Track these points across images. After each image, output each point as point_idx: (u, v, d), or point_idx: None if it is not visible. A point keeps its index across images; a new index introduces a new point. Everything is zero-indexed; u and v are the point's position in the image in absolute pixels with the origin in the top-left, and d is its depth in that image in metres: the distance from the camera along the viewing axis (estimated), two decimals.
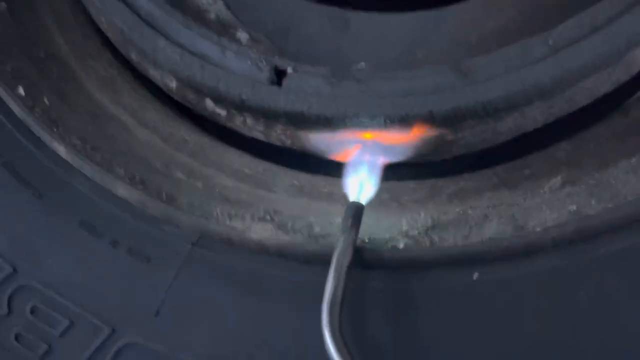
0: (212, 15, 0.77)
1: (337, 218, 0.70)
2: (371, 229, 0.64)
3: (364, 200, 0.64)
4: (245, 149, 0.81)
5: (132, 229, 0.64)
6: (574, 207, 0.57)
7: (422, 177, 0.79)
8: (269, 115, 0.68)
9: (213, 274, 0.61)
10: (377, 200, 0.77)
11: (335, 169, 0.82)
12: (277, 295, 0.60)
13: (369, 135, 0.68)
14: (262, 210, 0.67)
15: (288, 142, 0.73)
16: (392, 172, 0.80)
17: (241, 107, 0.68)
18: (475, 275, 0.57)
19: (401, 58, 0.79)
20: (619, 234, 0.55)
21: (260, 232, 0.61)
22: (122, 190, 0.65)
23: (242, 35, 0.78)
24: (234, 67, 0.67)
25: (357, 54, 0.81)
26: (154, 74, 0.75)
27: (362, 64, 0.70)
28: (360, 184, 0.65)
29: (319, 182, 0.81)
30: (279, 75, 0.67)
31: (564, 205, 0.58)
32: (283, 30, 0.82)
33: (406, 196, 0.77)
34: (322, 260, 0.61)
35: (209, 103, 0.73)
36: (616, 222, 0.54)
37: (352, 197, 0.64)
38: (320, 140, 0.73)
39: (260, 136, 0.74)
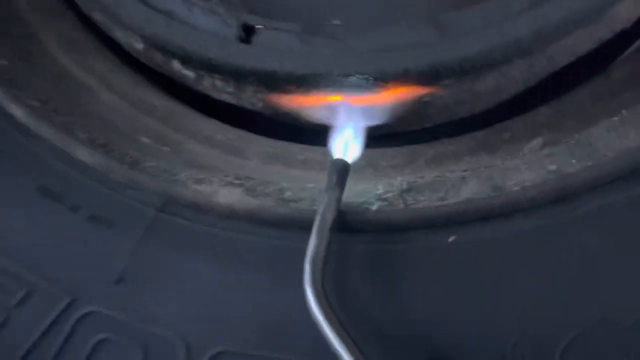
0: None
1: (311, 184, 0.68)
2: (345, 193, 0.62)
3: (349, 158, 0.62)
4: (219, 117, 0.78)
5: (93, 194, 0.60)
6: (553, 167, 0.55)
7: (402, 145, 0.78)
8: (238, 76, 0.65)
9: (179, 239, 0.59)
10: (353, 166, 0.76)
11: (311, 137, 0.80)
12: (247, 260, 0.57)
13: (341, 97, 0.65)
14: (232, 175, 0.64)
15: (260, 105, 0.70)
16: (371, 141, 0.78)
17: (209, 66, 0.65)
18: (452, 238, 0.55)
19: (378, 11, 0.76)
20: (599, 192, 0.53)
21: (228, 196, 0.58)
22: (83, 153, 0.61)
23: None
24: (201, 24, 0.64)
25: (331, 9, 0.78)
26: (119, 34, 0.72)
27: (337, 21, 0.67)
28: (346, 143, 0.63)
29: (294, 149, 0.79)
30: (248, 32, 0.64)
31: (543, 166, 0.56)
32: None
33: (383, 162, 0.75)
34: (293, 224, 0.58)
35: (177, 65, 0.69)
36: (596, 180, 0.52)
37: (337, 155, 0.62)
38: (293, 103, 0.70)
39: (230, 99, 0.71)
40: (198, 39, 0.63)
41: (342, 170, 0.58)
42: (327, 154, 0.77)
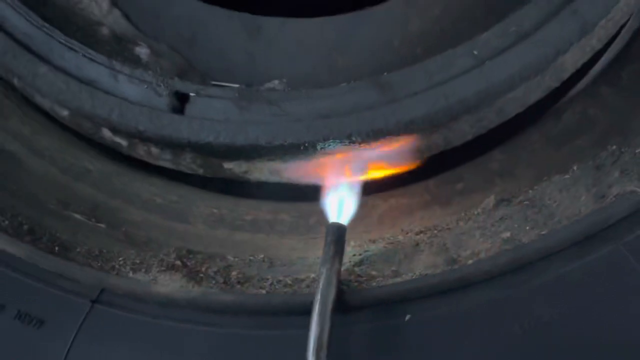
0: (105, 30, 0.68)
1: (260, 254, 0.65)
2: (296, 266, 0.59)
3: (344, 220, 0.55)
4: (158, 174, 0.74)
5: (20, 288, 0.56)
6: (507, 234, 0.53)
7: None
8: (173, 146, 0.61)
9: (117, 333, 0.54)
10: (305, 225, 0.72)
11: (260, 190, 0.76)
12: (191, 351, 0.54)
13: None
14: (173, 253, 0.60)
15: (200, 171, 0.66)
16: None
17: (141, 138, 0.60)
18: (408, 317, 0.52)
19: (320, 67, 0.73)
20: (554, 261, 0.51)
21: (168, 284, 0.54)
22: (6, 243, 0.57)
23: (142, 51, 0.69)
24: (128, 94, 0.59)
25: (271, 64, 0.74)
26: (42, 101, 0.67)
27: (275, 82, 0.63)
28: (339, 202, 0.57)
29: (242, 208, 0.75)
30: (181, 101, 0.60)
31: (497, 232, 0.54)
32: (189, 39, 0.74)
33: None
34: (239, 310, 0.55)
35: (107, 132, 0.65)
36: (550, 249, 0.51)
37: (331, 217, 0.56)
38: (238, 167, 0.66)
39: (168, 165, 0.67)
40: (126, 111, 0.58)
41: (339, 237, 0.52)
42: (275, 209, 0.75)
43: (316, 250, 0.64)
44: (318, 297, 0.48)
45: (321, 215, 0.72)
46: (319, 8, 0.82)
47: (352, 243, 0.63)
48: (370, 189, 0.72)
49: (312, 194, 0.75)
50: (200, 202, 0.71)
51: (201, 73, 0.72)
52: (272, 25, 0.73)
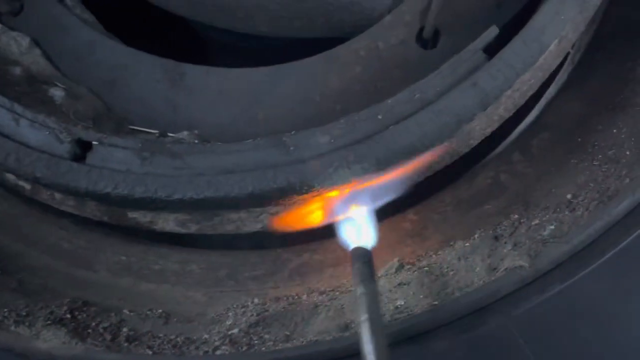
0: (18, 70, 0.67)
1: (159, 308, 0.63)
2: (192, 324, 0.57)
3: (367, 244, 0.55)
4: (69, 217, 0.72)
5: None
6: (401, 302, 0.53)
7: (267, 246, 0.74)
8: (73, 194, 0.59)
9: None
10: (213, 277, 0.71)
11: (172, 237, 0.74)
12: None
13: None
14: (65, 305, 0.58)
15: (105, 218, 0.64)
16: (232, 241, 0.73)
17: (39, 184, 0.59)
18: None
19: (241, 118, 0.73)
20: (444, 332, 0.51)
21: (51, 339, 0.52)
22: None
23: (57, 93, 0.68)
24: (28, 139, 0.57)
25: (191, 112, 0.73)
26: None
27: (185, 133, 0.63)
28: (358, 229, 0.57)
29: (151, 256, 0.73)
30: (83, 149, 0.58)
31: (392, 299, 0.53)
32: (110, 83, 0.73)
33: (246, 272, 0.71)
34: None
35: (9, 176, 0.63)
36: (440, 320, 0.50)
37: (354, 242, 0.56)
38: (143, 217, 0.65)
39: (72, 210, 0.64)
40: (23, 157, 0.57)
41: (367, 259, 0.52)
42: (184, 259, 0.73)
43: (217, 307, 0.62)
44: (363, 317, 0.47)
45: (231, 267, 0.72)
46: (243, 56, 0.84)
47: (255, 300, 0.62)
48: (282, 243, 0.72)
49: (221, 242, 0.75)
50: (108, 248, 0.69)
51: (119, 117, 0.71)
52: (196, 73, 0.73)
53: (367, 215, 0.59)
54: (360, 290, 0.49)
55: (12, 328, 0.53)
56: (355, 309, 0.55)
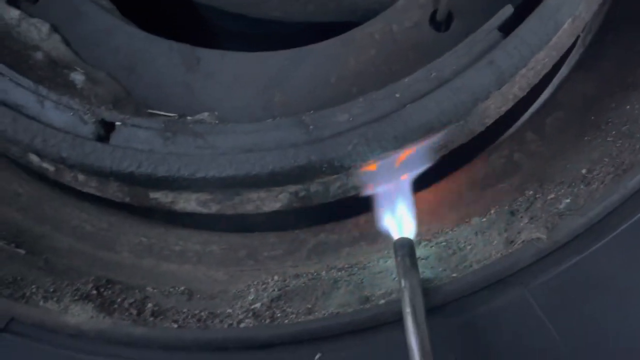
0: (40, 55, 0.68)
1: (181, 286, 0.64)
2: (215, 300, 0.58)
3: (409, 234, 0.57)
4: (91, 200, 0.73)
5: None
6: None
7: (285, 227, 0.75)
8: (98, 174, 0.60)
9: None
10: (234, 257, 0.72)
11: (192, 219, 0.76)
12: None
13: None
14: (91, 282, 0.59)
15: (127, 199, 0.65)
16: (251, 223, 0.75)
17: (65, 165, 0.60)
18: (318, 356, 0.52)
19: (256, 101, 0.74)
20: (464, 303, 0.52)
21: (79, 314, 0.54)
22: None
23: (77, 77, 0.69)
24: (53, 120, 0.59)
25: (208, 96, 0.75)
26: None
27: (205, 114, 0.64)
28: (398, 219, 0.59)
29: (172, 237, 0.74)
30: (106, 129, 0.60)
31: None
32: (128, 68, 0.75)
33: (265, 252, 0.72)
34: (150, 344, 0.54)
35: (34, 157, 0.64)
36: (459, 292, 0.51)
37: (395, 234, 0.57)
38: (165, 197, 0.66)
39: (95, 192, 0.66)
40: (49, 138, 0.58)
41: (410, 249, 0.53)
42: (205, 240, 0.74)
43: (239, 284, 0.64)
44: (408, 309, 0.49)
45: (250, 248, 0.73)
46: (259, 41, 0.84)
47: (275, 277, 0.63)
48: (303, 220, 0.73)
49: (242, 225, 0.76)
50: (129, 230, 0.70)
51: (138, 102, 0.73)
52: (212, 57, 0.74)
53: (409, 207, 0.60)
54: (403, 283, 0.51)
55: (41, 303, 0.54)
56: (369, 284, 0.57)
